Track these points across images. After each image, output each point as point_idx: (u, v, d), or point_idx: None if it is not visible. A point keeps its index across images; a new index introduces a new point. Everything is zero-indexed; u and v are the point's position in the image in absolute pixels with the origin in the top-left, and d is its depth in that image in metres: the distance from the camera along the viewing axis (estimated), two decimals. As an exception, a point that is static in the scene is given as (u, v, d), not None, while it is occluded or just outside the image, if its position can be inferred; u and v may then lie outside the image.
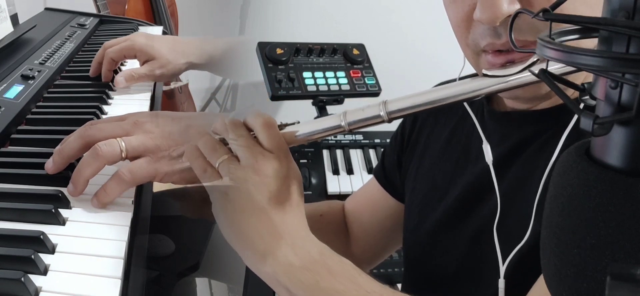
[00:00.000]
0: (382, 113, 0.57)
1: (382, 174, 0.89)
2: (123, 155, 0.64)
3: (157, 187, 0.79)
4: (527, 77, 0.54)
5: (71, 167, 0.73)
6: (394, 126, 0.91)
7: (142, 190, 0.73)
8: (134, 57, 1.10)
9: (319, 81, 1.45)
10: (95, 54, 1.12)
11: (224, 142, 0.60)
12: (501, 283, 0.61)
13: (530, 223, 0.59)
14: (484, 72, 0.56)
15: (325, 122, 0.60)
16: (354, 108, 0.59)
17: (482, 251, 0.66)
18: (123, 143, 0.64)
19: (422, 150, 0.82)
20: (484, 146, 0.67)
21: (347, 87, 1.50)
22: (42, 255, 0.55)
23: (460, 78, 0.70)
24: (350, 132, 0.59)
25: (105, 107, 0.97)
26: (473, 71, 0.64)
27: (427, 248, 0.76)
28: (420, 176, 0.80)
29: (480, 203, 0.68)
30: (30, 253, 0.54)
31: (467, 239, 0.69)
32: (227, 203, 0.57)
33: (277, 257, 0.55)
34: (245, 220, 0.56)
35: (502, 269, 0.61)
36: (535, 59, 0.54)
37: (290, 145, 0.60)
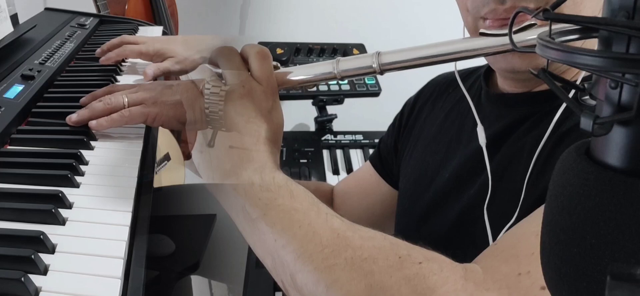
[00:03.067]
0: (374, 64, 0.56)
1: (378, 159, 0.89)
2: (125, 104, 0.81)
3: (157, 183, 0.80)
4: (524, 40, 0.53)
5: (70, 167, 0.73)
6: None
7: (141, 190, 0.73)
8: (150, 59, 1.16)
9: (319, 81, 1.45)
10: (95, 54, 1.15)
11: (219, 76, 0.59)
12: None
13: (520, 202, 0.59)
14: (481, 31, 0.56)
15: (317, 68, 0.60)
16: (348, 57, 0.59)
17: (469, 231, 0.66)
18: (126, 97, 0.81)
19: (418, 134, 0.82)
20: (478, 129, 0.67)
21: (347, 87, 1.50)
22: (42, 255, 0.55)
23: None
24: (342, 79, 0.59)
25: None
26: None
27: (417, 229, 0.76)
28: (414, 159, 0.80)
29: (470, 184, 0.68)
30: (30, 253, 0.54)
31: (455, 220, 0.69)
32: (209, 143, 0.56)
33: (241, 176, 0.53)
34: (219, 143, 0.55)
35: None
36: (532, 22, 0.53)
37: (281, 86, 0.59)
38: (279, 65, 0.60)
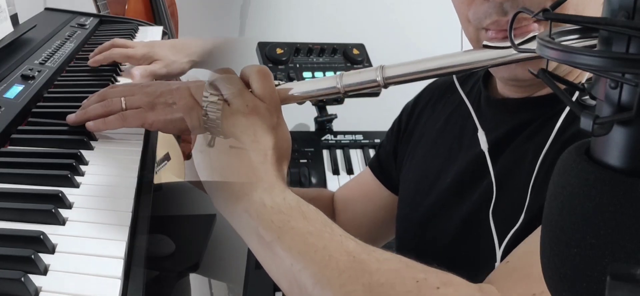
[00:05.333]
0: (378, 78, 0.56)
1: (378, 165, 0.89)
2: (123, 107, 0.81)
3: (156, 179, 0.80)
4: (527, 52, 0.53)
5: (70, 167, 0.73)
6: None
7: (142, 189, 0.73)
8: (138, 63, 1.15)
9: (319, 81, 1.45)
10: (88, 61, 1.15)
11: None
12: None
13: (524, 206, 0.59)
14: (485, 43, 0.56)
15: (320, 83, 0.60)
16: (351, 71, 0.59)
17: (473, 236, 0.66)
18: (124, 100, 0.81)
19: (417, 139, 0.82)
20: (479, 134, 0.67)
21: (347, 87, 1.49)
22: (42, 255, 0.55)
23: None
24: (345, 94, 0.59)
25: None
26: None
27: (418, 235, 0.76)
28: (414, 164, 0.80)
29: (472, 189, 0.68)
30: (30, 253, 0.54)
31: (458, 225, 0.69)
32: (209, 143, 0.56)
33: (252, 198, 0.52)
34: (226, 161, 0.55)
35: (499, 253, 0.61)
36: (536, 33, 0.53)
37: (283, 102, 0.60)
38: (279, 82, 0.60)
